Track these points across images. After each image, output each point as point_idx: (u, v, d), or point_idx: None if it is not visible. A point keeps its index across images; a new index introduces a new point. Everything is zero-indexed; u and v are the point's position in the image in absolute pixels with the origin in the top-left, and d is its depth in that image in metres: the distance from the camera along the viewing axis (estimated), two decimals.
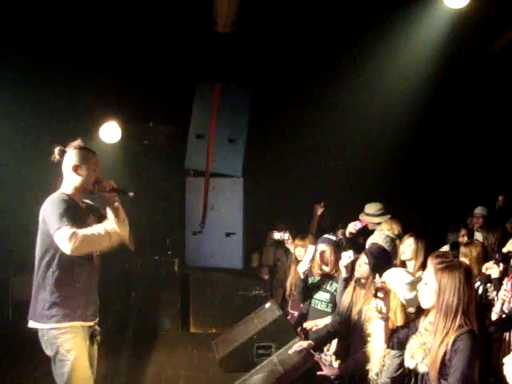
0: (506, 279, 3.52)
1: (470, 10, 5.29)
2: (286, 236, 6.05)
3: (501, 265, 3.67)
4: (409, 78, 6.51)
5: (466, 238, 5.97)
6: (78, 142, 3.32)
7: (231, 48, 6.32)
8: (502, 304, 3.35)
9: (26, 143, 6.79)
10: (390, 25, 5.77)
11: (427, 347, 2.56)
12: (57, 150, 3.28)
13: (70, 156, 3.26)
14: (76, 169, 3.22)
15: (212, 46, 6.31)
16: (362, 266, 3.60)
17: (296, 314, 5.16)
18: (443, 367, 2.44)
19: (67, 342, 3.11)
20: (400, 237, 4.84)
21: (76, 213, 3.11)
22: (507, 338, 3.40)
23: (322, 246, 4.52)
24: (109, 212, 3.31)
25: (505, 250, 4.12)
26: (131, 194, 3.39)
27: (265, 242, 7.11)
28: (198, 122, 6.86)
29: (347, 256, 4.15)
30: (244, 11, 5.61)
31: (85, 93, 6.51)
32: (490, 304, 3.60)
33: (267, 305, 5.44)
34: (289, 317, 5.34)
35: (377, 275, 3.14)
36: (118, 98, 6.73)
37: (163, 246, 7.29)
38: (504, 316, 3.37)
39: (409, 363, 2.64)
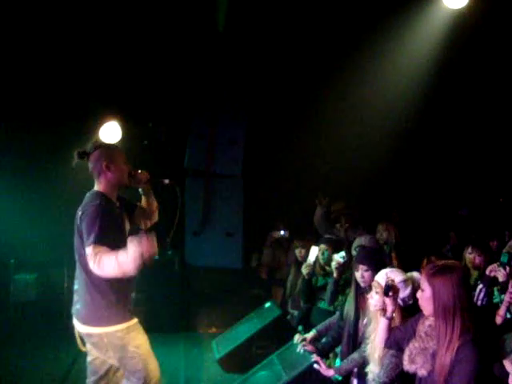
0: (511, 281, 3.48)
1: (469, 11, 5.30)
2: (287, 234, 6.10)
3: (507, 267, 3.63)
4: (408, 79, 6.51)
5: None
6: (99, 141, 3.32)
7: (230, 50, 6.35)
8: (507, 306, 3.33)
9: (26, 144, 6.81)
10: (390, 25, 5.78)
11: (428, 352, 2.54)
12: (76, 153, 3.14)
13: (98, 155, 3.16)
14: (108, 167, 3.13)
15: (212, 47, 6.34)
16: (365, 276, 3.43)
17: (296, 313, 5.17)
18: (449, 375, 2.42)
19: (134, 339, 3.08)
20: (392, 242, 4.99)
21: (111, 219, 3.03)
22: None
23: (323, 247, 4.54)
24: (144, 202, 3.42)
25: (504, 250, 4.11)
26: (166, 181, 3.41)
27: (264, 242, 7.12)
28: (198, 122, 6.88)
29: (340, 257, 4.15)
30: (242, 12, 5.63)
31: (85, 93, 6.52)
32: (494, 307, 3.57)
33: (267, 305, 5.46)
34: (289, 316, 5.35)
35: (383, 272, 3.10)
36: (117, 98, 6.74)
37: (163, 246, 7.28)
38: (509, 317, 3.34)
39: (408, 367, 2.62)
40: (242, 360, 4.79)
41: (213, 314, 6.87)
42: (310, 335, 3.92)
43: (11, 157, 6.74)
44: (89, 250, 2.85)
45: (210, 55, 6.53)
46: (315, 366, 3.45)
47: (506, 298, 3.29)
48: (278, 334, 4.73)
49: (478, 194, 7.63)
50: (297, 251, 5.36)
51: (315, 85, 7.09)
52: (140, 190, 3.42)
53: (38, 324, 6.52)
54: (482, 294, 3.76)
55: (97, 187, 3.18)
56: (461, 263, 4.21)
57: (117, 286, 3.06)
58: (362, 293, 3.49)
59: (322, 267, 4.58)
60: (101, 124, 6.71)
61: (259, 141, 7.19)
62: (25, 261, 7.29)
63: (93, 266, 2.82)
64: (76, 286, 3.14)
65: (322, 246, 4.57)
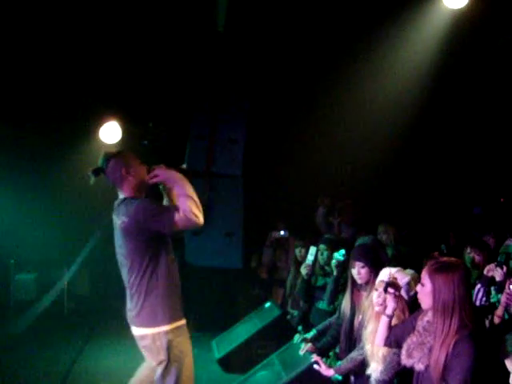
0: (508, 281, 3.48)
1: (469, 11, 5.30)
2: (287, 234, 6.10)
3: (504, 267, 3.63)
4: (408, 79, 6.51)
5: None
6: (107, 152, 3.29)
7: (230, 50, 6.35)
8: (504, 307, 3.33)
9: (26, 144, 6.81)
10: (390, 25, 5.78)
11: (426, 347, 2.55)
12: (90, 172, 3.19)
13: (114, 166, 3.21)
14: (128, 171, 3.20)
15: (212, 47, 6.34)
16: (361, 272, 3.42)
17: (296, 313, 5.17)
18: (445, 370, 2.43)
19: (181, 343, 3.16)
20: (391, 242, 4.99)
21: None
22: None
23: (323, 247, 4.54)
24: (167, 195, 3.56)
25: (501, 250, 4.12)
26: (184, 165, 3.67)
27: (265, 242, 7.12)
28: (198, 122, 6.88)
29: (339, 255, 4.14)
30: (242, 12, 5.63)
31: (85, 93, 6.52)
32: (492, 307, 3.57)
33: (267, 304, 5.46)
34: (289, 316, 5.35)
35: (386, 271, 3.10)
36: (117, 98, 6.75)
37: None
38: (507, 318, 3.34)
39: (406, 362, 2.64)
40: (242, 360, 4.79)
41: (213, 313, 6.87)
42: (310, 335, 3.92)
43: (11, 157, 6.74)
44: (178, 219, 3.09)
45: (210, 55, 6.53)
46: (315, 365, 3.45)
47: (503, 298, 3.29)
48: (278, 334, 4.72)
49: (489, 193, 7.63)
50: (297, 251, 5.36)
51: (315, 84, 7.10)
52: (161, 187, 3.53)
53: (38, 324, 6.52)
54: (480, 294, 3.77)
55: (122, 195, 3.23)
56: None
57: (170, 288, 3.16)
58: (357, 289, 3.50)
59: (321, 267, 4.58)
60: (101, 124, 6.72)
61: (259, 141, 7.19)
62: (25, 261, 7.31)
63: (196, 218, 3.16)
64: (129, 292, 3.20)
65: (322, 246, 4.57)
